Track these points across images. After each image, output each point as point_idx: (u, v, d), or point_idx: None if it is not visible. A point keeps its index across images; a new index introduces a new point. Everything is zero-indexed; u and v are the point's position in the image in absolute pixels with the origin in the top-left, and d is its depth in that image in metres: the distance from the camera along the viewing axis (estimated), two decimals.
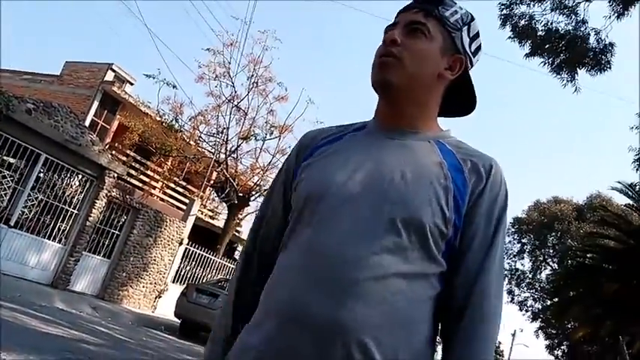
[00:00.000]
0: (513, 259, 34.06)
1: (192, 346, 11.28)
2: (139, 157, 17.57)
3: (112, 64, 18.48)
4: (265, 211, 1.31)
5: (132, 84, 19.63)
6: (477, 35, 1.26)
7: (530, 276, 34.57)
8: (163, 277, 15.23)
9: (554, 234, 32.43)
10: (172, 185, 19.02)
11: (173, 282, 15.71)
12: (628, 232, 15.53)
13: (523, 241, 33.91)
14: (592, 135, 79.95)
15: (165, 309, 14.72)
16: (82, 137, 11.86)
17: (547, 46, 11.10)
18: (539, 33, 11.09)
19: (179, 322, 13.07)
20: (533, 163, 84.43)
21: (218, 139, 17.76)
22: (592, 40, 10.92)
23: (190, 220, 16.25)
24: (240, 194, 17.60)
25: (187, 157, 18.12)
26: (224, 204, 19.54)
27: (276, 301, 1.09)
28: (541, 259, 33.88)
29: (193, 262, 16.42)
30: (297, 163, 1.26)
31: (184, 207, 17.60)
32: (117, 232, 13.75)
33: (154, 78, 16.57)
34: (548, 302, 29.93)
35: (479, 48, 1.27)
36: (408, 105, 1.20)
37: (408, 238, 1.06)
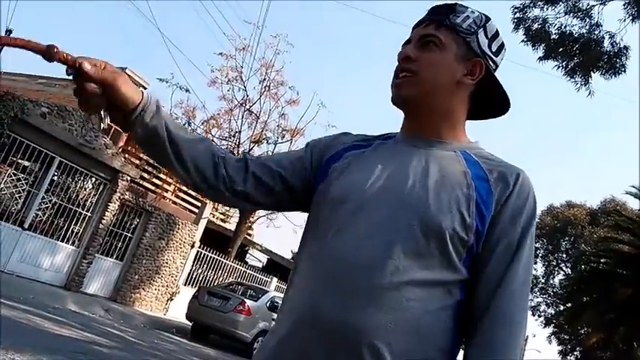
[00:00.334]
0: (531, 264, 33.84)
1: (203, 348, 11.31)
2: (151, 161, 17.66)
3: (126, 68, 18.55)
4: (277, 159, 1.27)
5: (145, 88, 19.73)
6: (497, 34, 1.24)
7: (543, 281, 34.33)
8: (175, 279, 15.28)
9: (567, 239, 32.19)
10: (184, 188, 19.08)
11: (185, 285, 15.75)
12: None
13: (536, 245, 33.60)
14: (606, 139, 79.33)
15: (177, 312, 14.76)
16: (95, 141, 11.95)
17: (561, 49, 11.03)
18: (553, 36, 11.03)
19: (190, 324, 13.11)
20: (546, 167, 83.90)
21: (230, 143, 17.81)
22: (606, 43, 10.85)
23: (202, 223, 16.31)
24: None
25: None
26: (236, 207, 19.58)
27: (294, 304, 1.12)
28: (554, 263, 33.63)
29: (205, 265, 16.46)
30: (321, 155, 1.26)
31: (196, 210, 17.67)
32: (129, 234, 13.82)
33: (166, 82, 16.68)
34: (562, 307, 29.70)
35: (501, 46, 1.25)
36: (430, 115, 1.20)
37: (427, 244, 1.06)
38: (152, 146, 1.15)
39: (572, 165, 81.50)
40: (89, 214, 12.41)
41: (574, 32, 10.97)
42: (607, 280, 15.33)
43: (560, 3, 10.86)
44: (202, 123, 17.81)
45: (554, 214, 32.62)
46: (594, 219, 30.37)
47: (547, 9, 11.02)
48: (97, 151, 11.93)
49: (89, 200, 12.51)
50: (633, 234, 15.97)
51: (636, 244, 15.75)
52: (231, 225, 19.73)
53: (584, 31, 10.92)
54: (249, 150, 17.78)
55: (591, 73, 10.98)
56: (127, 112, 1.08)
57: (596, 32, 10.88)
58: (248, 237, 20.34)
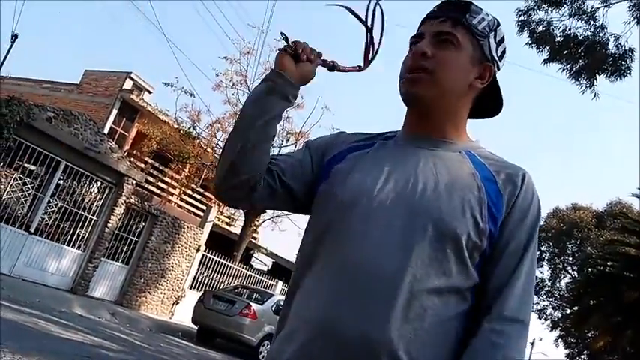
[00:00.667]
0: (535, 264, 33.67)
1: (209, 352, 11.31)
2: (157, 165, 17.72)
3: (131, 72, 18.69)
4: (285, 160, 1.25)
5: (150, 92, 19.83)
6: (502, 40, 1.24)
7: (549, 284, 34.16)
8: (181, 283, 15.30)
9: (573, 241, 32.02)
10: (190, 192, 19.15)
11: (190, 288, 15.77)
12: None
13: (542, 248, 33.49)
14: (611, 141, 79.06)
15: (183, 315, 14.77)
16: (101, 145, 12.00)
17: (565, 52, 11.00)
18: (558, 39, 11.00)
19: (196, 328, 13.12)
20: (551, 169, 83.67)
21: None
22: (611, 45, 10.80)
23: (207, 227, 16.33)
24: None
25: (205, 164, 18.23)
26: (240, 211, 19.60)
27: (309, 313, 1.08)
28: (560, 266, 33.47)
29: (210, 269, 16.48)
30: (323, 156, 1.24)
31: (201, 214, 17.70)
32: (135, 238, 13.86)
33: (171, 86, 16.73)
34: (568, 310, 29.53)
35: (504, 51, 1.25)
36: (438, 116, 1.19)
37: (443, 250, 1.05)
38: (258, 113, 1.16)
39: (577, 167, 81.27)
40: (95, 217, 12.45)
41: (578, 35, 10.93)
42: (614, 283, 15.24)
43: (565, 5, 10.83)
44: (207, 127, 17.86)
45: (559, 217, 32.47)
46: (600, 222, 30.22)
47: (551, 12, 10.98)
48: (103, 155, 11.97)
49: (95, 204, 12.56)
50: None
51: None
52: (237, 228, 19.75)
53: (589, 33, 10.88)
54: None
55: (596, 75, 10.93)
56: (288, 75, 1.17)
57: (600, 35, 10.85)
58: (253, 240, 20.35)
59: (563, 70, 11.07)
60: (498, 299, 1.08)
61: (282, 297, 13.13)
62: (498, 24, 1.23)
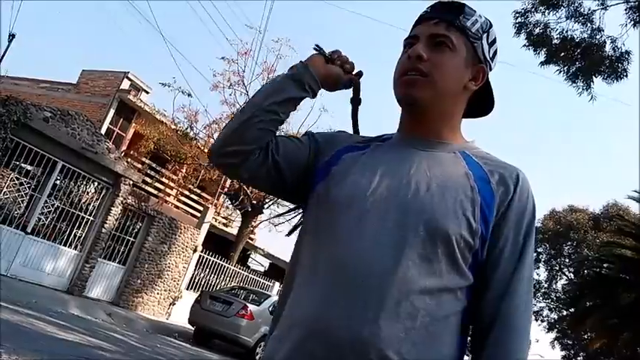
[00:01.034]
0: (532, 268, 33.72)
1: (205, 353, 11.30)
2: (154, 165, 17.70)
3: (128, 72, 18.66)
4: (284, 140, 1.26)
5: (147, 92, 19.80)
6: (494, 41, 1.25)
7: (545, 286, 34.19)
8: (177, 284, 15.29)
9: (569, 243, 32.06)
10: (187, 193, 19.12)
11: (187, 289, 15.75)
12: None
13: (538, 250, 33.53)
14: (609, 143, 79.21)
15: (179, 316, 14.76)
16: (98, 145, 11.98)
17: (562, 54, 11.03)
18: (555, 41, 11.03)
19: (193, 329, 13.10)
20: (548, 171, 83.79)
21: None
22: (608, 48, 10.84)
23: (204, 228, 16.32)
24: (254, 202, 17.63)
25: (202, 165, 18.21)
26: (238, 212, 19.59)
27: (301, 313, 1.09)
28: (557, 268, 33.51)
29: (207, 270, 16.47)
30: (318, 151, 1.24)
31: (198, 214, 17.68)
32: (132, 239, 13.84)
33: (169, 86, 16.68)
34: (564, 312, 29.59)
35: (496, 52, 1.26)
36: (434, 117, 1.19)
37: (434, 250, 1.05)
38: (274, 92, 1.20)
39: (574, 169, 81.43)
40: (92, 218, 12.43)
41: (575, 37, 10.96)
42: (610, 285, 15.27)
43: (562, 8, 10.86)
44: (205, 127, 17.83)
45: (556, 219, 32.51)
46: (597, 224, 30.26)
47: (548, 14, 11.02)
48: (100, 155, 11.95)
49: (92, 204, 12.54)
50: (636, 239, 15.92)
51: (639, 249, 15.70)
52: (234, 229, 19.73)
53: (586, 35, 10.92)
54: None
55: (593, 77, 10.96)
56: (313, 70, 1.23)
57: (597, 37, 10.88)
58: (250, 241, 20.33)
59: (561, 71, 11.10)
60: (503, 308, 1.08)
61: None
62: (491, 25, 1.24)
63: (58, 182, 11.80)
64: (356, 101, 1.34)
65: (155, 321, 13.46)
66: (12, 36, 13.29)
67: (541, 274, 34.27)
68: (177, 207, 18.37)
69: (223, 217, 20.68)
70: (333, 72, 1.24)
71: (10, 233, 10.79)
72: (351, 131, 1.36)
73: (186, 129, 17.19)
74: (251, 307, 12.06)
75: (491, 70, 1.25)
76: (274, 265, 22.19)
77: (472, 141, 1.24)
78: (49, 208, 11.73)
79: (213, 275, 16.70)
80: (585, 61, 10.89)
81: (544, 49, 11.09)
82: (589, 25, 10.90)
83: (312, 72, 1.21)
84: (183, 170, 18.67)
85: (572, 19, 10.93)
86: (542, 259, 33.72)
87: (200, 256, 15.94)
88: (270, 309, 12.39)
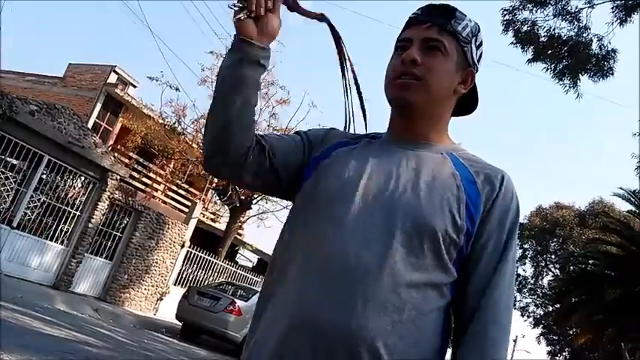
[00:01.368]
0: (515, 264, 33.98)
1: (193, 348, 11.28)
2: (141, 160, 17.62)
3: (115, 66, 18.55)
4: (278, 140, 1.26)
5: (135, 86, 19.69)
6: (481, 44, 1.27)
7: (532, 282, 34.48)
8: (165, 279, 15.24)
9: (556, 240, 32.33)
10: (174, 188, 19.06)
11: (175, 284, 15.71)
12: (630, 238, 15.50)
13: (525, 246, 33.82)
14: (594, 141, 79.93)
15: (167, 311, 14.71)
16: (84, 139, 11.90)
17: (549, 51, 11.11)
18: (542, 39, 11.11)
19: (180, 324, 13.07)
20: (535, 168, 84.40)
21: None
22: (594, 46, 10.94)
23: (192, 223, 16.27)
24: (242, 197, 17.61)
25: (190, 160, 18.15)
26: (226, 207, 19.56)
27: (287, 305, 1.09)
28: (543, 264, 33.79)
29: (195, 265, 16.43)
30: (315, 144, 1.26)
31: (186, 210, 17.63)
32: (119, 234, 13.76)
33: (156, 80, 16.61)
34: (550, 308, 29.88)
35: (481, 54, 1.28)
36: (424, 120, 1.22)
37: (421, 245, 1.07)
38: (234, 88, 1.15)
39: (560, 166, 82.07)
40: (78, 213, 12.35)
41: (563, 35, 11.05)
42: (595, 282, 15.41)
43: (549, 6, 10.93)
44: (192, 122, 17.77)
45: (542, 216, 32.77)
46: (583, 220, 30.53)
47: (536, 11, 11.09)
48: (87, 149, 11.87)
49: (78, 199, 12.45)
50: (621, 235, 16.08)
51: (624, 245, 15.86)
52: (222, 225, 19.70)
53: (573, 33, 11.00)
54: None
55: (580, 75, 11.06)
56: (255, 41, 1.16)
57: (584, 35, 10.97)
58: (238, 237, 20.31)
59: (547, 69, 11.19)
60: (483, 301, 1.11)
61: None
62: (479, 29, 1.26)
63: (44, 177, 11.70)
64: (334, 35, 1.30)
65: (142, 316, 13.41)
66: None
67: (527, 270, 34.55)
68: (164, 202, 18.31)
69: (211, 213, 20.63)
70: (269, 26, 1.18)
71: None
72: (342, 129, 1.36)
73: (174, 123, 17.13)
74: (239, 302, 12.05)
75: (477, 72, 1.27)
76: (262, 261, 22.18)
77: (459, 143, 1.27)
78: (35, 202, 11.64)
79: (201, 271, 16.67)
80: (572, 59, 10.99)
81: (531, 47, 11.17)
82: (576, 23, 10.99)
83: (257, 43, 1.16)
84: (171, 165, 18.60)
85: (560, 17, 11.01)
86: (529, 256, 33.99)
87: (188, 251, 15.90)
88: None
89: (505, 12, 11.13)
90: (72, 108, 12.47)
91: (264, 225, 20.75)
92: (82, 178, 12.40)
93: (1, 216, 10.89)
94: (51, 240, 11.93)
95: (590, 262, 18.39)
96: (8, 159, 10.88)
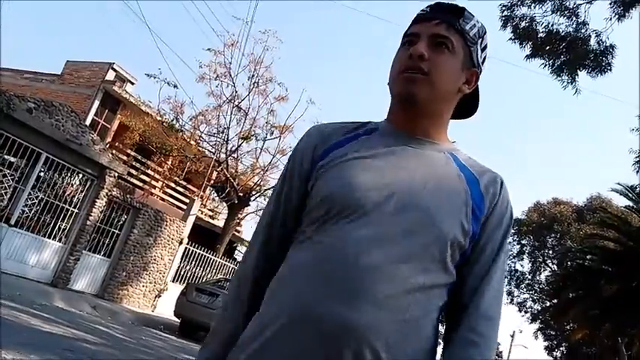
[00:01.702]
0: (513, 260, 34.06)
1: (191, 345, 11.30)
2: (139, 157, 17.59)
3: (113, 63, 18.50)
4: (278, 202, 1.26)
5: (133, 83, 19.65)
6: (486, 47, 1.28)
7: (529, 277, 34.56)
8: (163, 276, 15.24)
9: (553, 235, 32.41)
10: (173, 185, 19.04)
11: (173, 281, 15.71)
12: (628, 233, 15.56)
13: (523, 242, 33.91)
14: (592, 137, 79.98)
15: (165, 308, 14.72)
16: (82, 136, 11.88)
17: (548, 47, 11.11)
18: (540, 35, 11.10)
19: (178, 321, 13.08)
20: (532, 164, 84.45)
21: (218, 139, 17.79)
22: (593, 41, 10.93)
23: (190, 220, 16.26)
24: (241, 194, 17.61)
25: (188, 157, 18.13)
26: (224, 204, 19.57)
27: (287, 300, 1.09)
28: (540, 260, 33.86)
29: (193, 262, 16.43)
30: (312, 159, 1.23)
31: (184, 207, 17.61)
32: (117, 231, 13.76)
33: (154, 77, 16.60)
34: (548, 303, 29.93)
35: (485, 57, 1.29)
36: (426, 116, 1.21)
37: (428, 249, 1.08)
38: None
39: (558, 162, 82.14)
40: (76, 210, 12.33)
41: (561, 31, 11.04)
42: (593, 277, 15.47)
43: (548, 2, 10.92)
44: (190, 119, 17.77)
45: (540, 211, 32.83)
46: (580, 216, 30.61)
47: (534, 7, 11.08)
48: (84, 147, 11.85)
49: (76, 196, 12.44)
50: (619, 231, 16.14)
51: (622, 241, 15.92)
52: (220, 221, 19.70)
53: (571, 29, 11.00)
54: (238, 146, 17.77)
55: (578, 71, 11.06)
56: None
57: (582, 31, 10.96)
58: (237, 233, 20.32)
59: (546, 65, 11.19)
60: (475, 298, 1.14)
61: None
62: (486, 31, 1.27)
63: (42, 174, 11.68)
64: None
65: (140, 313, 13.42)
66: None
67: (525, 265, 34.63)
68: (162, 199, 18.29)
69: (209, 210, 20.63)
70: None
71: None
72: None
73: (172, 121, 17.12)
74: None
75: (480, 73, 1.28)
76: None
77: (455, 142, 1.28)
78: (33, 200, 11.62)
79: (199, 268, 16.67)
80: (570, 54, 10.98)
81: (530, 43, 11.16)
82: (574, 18, 10.98)
83: None
84: (169, 162, 18.59)
85: (558, 13, 11.00)
86: (527, 251, 34.07)
87: (186, 248, 15.90)
88: None
89: (504, 8, 11.12)
90: (70, 105, 12.44)
91: None
92: (80, 176, 12.39)
93: None
94: (49, 237, 11.92)
95: (588, 257, 18.45)
96: (6, 156, 10.86)
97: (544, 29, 11.10)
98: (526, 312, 34.84)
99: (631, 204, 16.76)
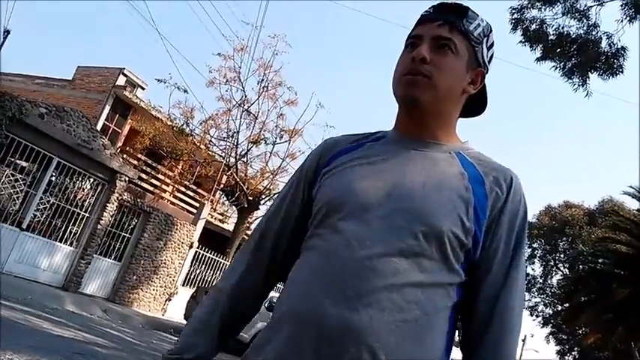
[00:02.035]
0: (525, 270, 33.88)
1: None
2: (149, 161, 17.67)
3: (124, 68, 18.60)
4: (279, 209, 1.29)
5: (143, 88, 19.75)
6: (492, 44, 1.26)
7: (541, 281, 34.33)
8: (173, 280, 15.28)
9: (565, 239, 32.18)
10: (183, 189, 19.10)
11: (183, 285, 15.75)
12: None
13: (534, 245, 33.67)
14: (604, 139, 79.46)
15: (175, 312, 14.76)
16: (93, 141, 11.95)
17: (558, 50, 11.05)
18: (551, 37, 11.04)
19: None
20: (544, 167, 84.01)
21: (228, 143, 17.83)
22: (604, 44, 10.86)
23: (200, 224, 16.30)
24: (250, 198, 17.64)
25: (198, 161, 18.19)
26: (234, 208, 19.58)
27: (290, 303, 1.10)
28: (552, 264, 33.64)
29: (203, 266, 16.47)
30: (316, 168, 1.26)
31: (195, 210, 17.66)
32: (128, 235, 13.82)
33: (165, 82, 16.68)
34: (559, 307, 29.73)
35: (492, 55, 1.27)
36: (431, 119, 1.20)
37: (426, 247, 1.07)
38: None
39: (570, 165, 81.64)
40: (87, 214, 12.41)
41: (571, 33, 10.98)
42: (605, 281, 15.35)
43: (558, 4, 10.87)
44: (200, 123, 17.82)
45: (552, 215, 32.62)
46: (592, 219, 30.37)
47: (545, 10, 11.03)
48: (95, 151, 11.92)
49: (87, 201, 12.51)
50: (631, 234, 16.00)
51: (634, 244, 15.78)
52: (230, 225, 19.73)
53: (582, 31, 10.93)
54: (247, 150, 17.81)
55: (589, 73, 10.99)
56: None
57: (593, 33, 10.90)
58: (246, 237, 20.30)
59: (556, 68, 11.12)
60: (498, 309, 1.11)
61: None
62: (491, 29, 1.25)
63: (53, 178, 11.76)
64: None
65: (151, 317, 13.46)
66: (7, 32, 13.24)
67: (536, 269, 34.38)
68: (173, 203, 18.35)
69: (219, 214, 20.66)
70: None
71: (6, 230, 10.76)
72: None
73: (182, 125, 17.18)
74: None
75: (487, 72, 1.26)
76: None
77: (466, 142, 1.26)
78: (45, 204, 11.70)
79: (209, 271, 16.71)
80: (581, 57, 10.92)
81: (540, 46, 11.11)
82: (585, 21, 10.91)
83: None
84: (179, 166, 18.65)
85: (569, 15, 10.94)
86: (538, 255, 33.84)
87: (196, 252, 15.94)
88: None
89: (514, 11, 11.08)
90: (81, 110, 12.53)
91: None
92: (91, 180, 12.46)
93: (11, 218, 10.96)
94: (60, 241, 11.99)
95: (600, 260, 18.32)
96: (18, 161, 10.95)
97: (554, 32, 11.05)
98: (537, 316, 34.60)
99: None
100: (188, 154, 17.62)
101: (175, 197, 18.92)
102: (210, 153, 18.56)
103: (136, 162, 16.92)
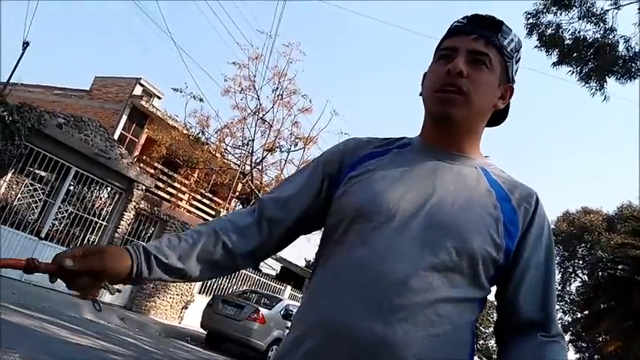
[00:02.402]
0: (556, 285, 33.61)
1: (217, 357, 11.32)
2: (166, 170, 17.79)
3: (140, 78, 18.78)
4: (289, 189, 1.26)
5: (159, 98, 19.91)
6: (520, 59, 1.26)
7: (559, 288, 33.94)
8: (190, 288, 15.33)
9: (583, 245, 31.83)
10: (199, 197, 19.18)
11: (199, 293, 15.79)
12: None
13: None
14: (622, 144, 78.57)
15: (192, 320, 14.79)
16: (111, 150, 12.06)
17: (575, 54, 10.95)
18: (567, 42, 10.95)
19: (205, 333, 13.12)
20: (562, 173, 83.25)
21: (243, 151, 17.89)
22: (621, 47, 10.75)
23: None
24: None
25: (213, 170, 18.27)
26: None
27: (320, 315, 1.09)
28: (570, 270, 33.26)
29: None
30: (339, 167, 1.24)
31: (211, 218, 17.72)
32: (145, 243, 13.89)
33: (181, 92, 16.79)
34: (579, 315, 29.35)
35: (518, 69, 1.27)
36: (461, 132, 1.20)
37: (459, 263, 1.07)
38: (164, 279, 1.18)
39: (588, 170, 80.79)
40: (105, 223, 12.51)
41: (588, 37, 10.88)
42: (625, 287, 15.12)
43: (574, 8, 10.78)
44: (216, 132, 17.91)
45: (570, 221, 32.29)
46: (611, 225, 30.00)
47: (560, 14, 10.95)
48: (113, 160, 12.03)
49: (105, 209, 12.62)
50: None
51: None
52: None
53: (599, 35, 10.83)
54: (262, 158, 17.86)
55: (606, 77, 10.88)
56: (125, 279, 1.10)
57: (610, 37, 10.79)
58: None
59: (573, 72, 11.02)
60: (539, 318, 1.15)
61: (291, 302, 13.18)
62: (521, 45, 1.25)
63: (71, 188, 11.88)
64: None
65: (168, 325, 13.51)
66: (26, 44, 13.43)
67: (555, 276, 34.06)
68: (189, 211, 18.43)
69: None
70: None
71: (25, 239, 10.87)
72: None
73: (198, 134, 17.28)
74: (263, 310, 12.07)
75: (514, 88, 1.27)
76: (286, 269, 22.19)
77: (488, 157, 1.26)
78: (63, 213, 11.83)
79: (225, 279, 16.73)
80: (598, 61, 10.81)
81: (556, 50, 11.02)
82: (602, 25, 10.81)
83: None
84: (195, 175, 18.75)
85: (585, 20, 10.84)
86: (556, 262, 33.48)
87: None
88: (282, 313, 12.39)
89: (529, 15, 11.01)
90: (98, 120, 12.66)
91: None
92: (109, 189, 12.57)
93: (30, 227, 11.08)
94: None
95: (619, 267, 18.05)
96: (37, 171, 11.10)
97: (571, 36, 10.95)
98: None
99: None
100: (204, 162, 17.71)
101: (191, 205, 19.01)
102: (225, 161, 18.64)
103: (152, 171, 17.04)
